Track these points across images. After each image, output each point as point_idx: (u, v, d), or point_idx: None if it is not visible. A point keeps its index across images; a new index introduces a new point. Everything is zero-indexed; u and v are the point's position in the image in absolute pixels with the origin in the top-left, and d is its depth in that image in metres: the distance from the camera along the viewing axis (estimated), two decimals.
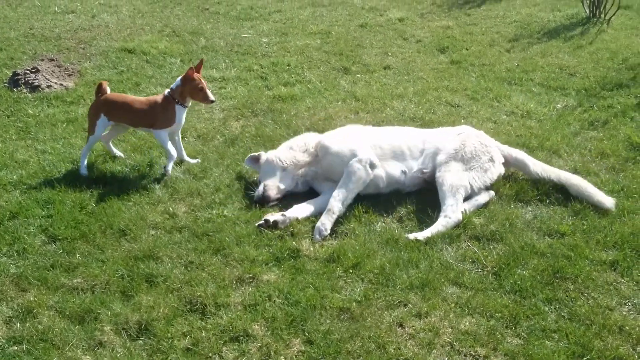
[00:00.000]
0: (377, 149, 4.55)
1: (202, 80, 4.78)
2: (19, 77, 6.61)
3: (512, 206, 4.41)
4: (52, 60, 7.22)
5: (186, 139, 5.41)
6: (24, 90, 6.45)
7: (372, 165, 4.41)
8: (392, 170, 4.56)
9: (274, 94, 6.43)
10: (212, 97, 4.78)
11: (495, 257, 3.90)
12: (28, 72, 6.67)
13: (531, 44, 8.12)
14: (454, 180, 4.38)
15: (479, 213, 4.34)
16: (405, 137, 4.75)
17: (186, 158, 5.05)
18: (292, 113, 5.94)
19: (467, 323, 3.35)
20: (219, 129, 5.66)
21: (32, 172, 4.85)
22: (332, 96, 6.42)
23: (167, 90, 4.86)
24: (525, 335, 3.28)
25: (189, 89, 4.77)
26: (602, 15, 8.87)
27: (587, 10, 9.08)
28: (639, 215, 4.30)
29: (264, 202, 4.46)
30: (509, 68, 7.25)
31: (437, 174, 4.46)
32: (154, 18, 9.20)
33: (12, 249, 3.93)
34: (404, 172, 4.58)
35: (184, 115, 4.89)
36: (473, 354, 3.17)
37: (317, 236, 4.09)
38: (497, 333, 3.29)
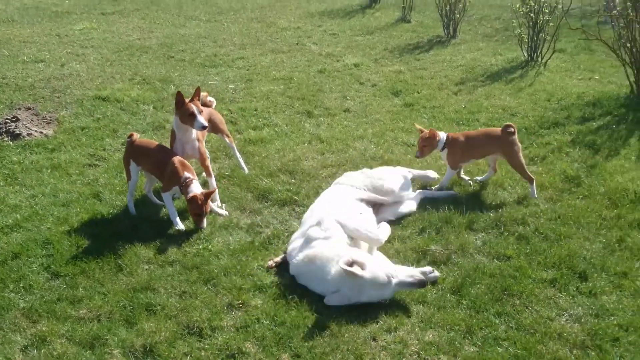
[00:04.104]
0: None
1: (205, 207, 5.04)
2: (0, 126, 6.96)
3: (465, 235, 5.01)
4: (29, 109, 7.62)
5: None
6: (6, 139, 6.80)
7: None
8: None
9: (245, 137, 6.97)
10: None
11: (452, 279, 4.46)
12: (8, 121, 7.04)
13: (476, 86, 8.90)
14: None
15: (436, 241, 4.92)
16: None
17: None
18: (263, 155, 6.47)
19: (431, 335, 3.89)
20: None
21: (27, 216, 5.23)
22: (299, 138, 6.99)
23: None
24: (480, 344, 3.84)
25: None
26: (539, 59, 9.77)
27: (526, 54, 9.97)
28: (574, 240, 4.94)
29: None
30: (457, 110, 7.97)
31: None
32: (122, 66, 9.66)
33: (19, 286, 4.31)
34: None
35: None
36: None
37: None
38: (457, 342, 3.84)
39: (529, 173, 5.63)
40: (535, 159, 6.46)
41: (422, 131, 5.75)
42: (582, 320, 4.04)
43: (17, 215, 5.24)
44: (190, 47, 11.07)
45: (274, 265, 4.60)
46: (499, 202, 5.55)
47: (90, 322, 3.98)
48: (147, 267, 4.57)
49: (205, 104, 5.91)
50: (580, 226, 5.14)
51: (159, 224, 5.18)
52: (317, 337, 3.85)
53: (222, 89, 8.69)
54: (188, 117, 5.22)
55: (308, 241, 4.47)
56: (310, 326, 3.93)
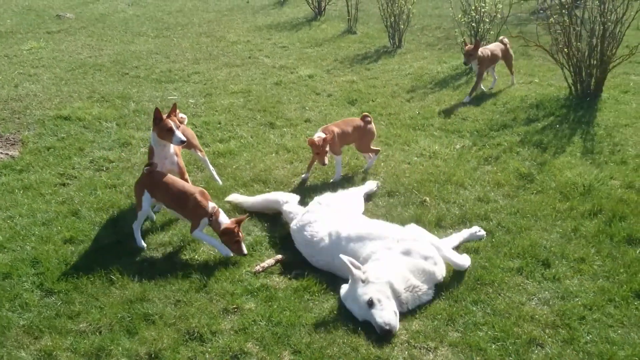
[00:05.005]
0: None
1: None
2: None
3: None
4: None
5: None
6: None
7: None
8: None
9: (213, 150, 7.15)
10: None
11: None
12: None
13: (427, 93, 9.34)
14: None
15: None
16: None
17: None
18: (234, 166, 6.68)
19: (417, 325, 4.21)
20: None
21: (8, 237, 5.27)
22: (266, 149, 7.22)
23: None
24: (462, 329, 4.18)
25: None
26: None
27: None
28: (533, 231, 5.37)
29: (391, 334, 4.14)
30: (412, 116, 8.36)
31: None
32: (78, 85, 9.66)
33: (15, 305, 4.39)
34: None
35: None
36: (426, 347, 4.02)
37: None
38: (441, 330, 4.17)
39: (369, 151, 6.63)
40: (490, 159, 6.90)
41: (313, 142, 6.13)
42: (550, 302, 4.44)
43: None
44: (143, 63, 11.13)
45: (261, 270, 4.83)
46: (461, 200, 5.94)
47: (92, 335, 4.11)
48: (138, 279, 4.71)
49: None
50: (538, 219, 5.58)
51: (143, 238, 5.31)
52: (313, 333, 4.11)
53: (182, 104, 8.82)
54: (166, 133, 5.37)
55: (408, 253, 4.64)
56: (305, 324, 4.19)
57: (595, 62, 8.41)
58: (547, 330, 4.16)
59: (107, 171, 6.65)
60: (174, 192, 5.07)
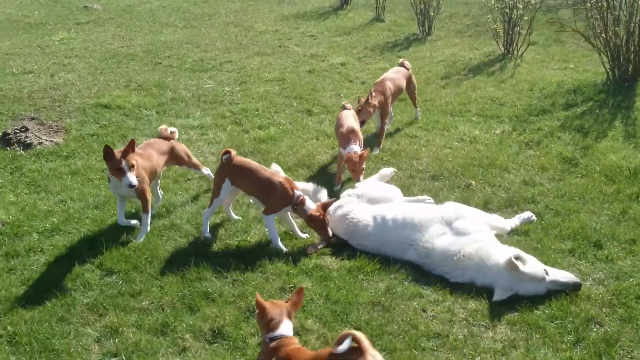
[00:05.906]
0: None
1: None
2: (10, 136, 7.04)
3: None
4: (33, 119, 7.68)
5: (194, 182, 6.11)
6: (18, 149, 6.88)
7: None
8: None
9: (254, 136, 7.21)
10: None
11: None
12: (18, 131, 7.11)
13: (461, 80, 9.32)
14: None
15: None
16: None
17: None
18: (277, 152, 6.74)
19: (474, 304, 4.25)
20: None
21: (63, 220, 5.38)
22: (306, 135, 7.27)
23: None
24: (518, 308, 4.21)
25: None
26: (515, 52, 10.27)
27: (502, 48, 10.47)
28: (582, 214, 5.38)
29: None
30: (448, 102, 8.36)
31: None
32: (114, 74, 9.76)
33: (76, 284, 4.50)
34: None
35: None
36: (484, 324, 4.06)
37: None
38: (497, 309, 4.20)
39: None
40: (531, 143, 6.90)
41: (350, 159, 5.73)
42: (605, 282, 4.46)
43: (54, 219, 5.38)
44: (175, 53, 11.20)
45: (314, 251, 4.88)
46: (507, 184, 5.96)
47: (155, 312, 4.20)
48: (194, 259, 4.79)
49: (166, 137, 5.59)
50: (585, 201, 5.58)
51: (196, 222, 5.38)
52: (371, 312, 4.17)
53: (219, 92, 8.89)
54: (117, 172, 4.81)
55: (461, 234, 4.73)
56: (362, 303, 4.25)
57: (633, 47, 8.35)
58: (604, 309, 4.18)
59: None
60: (259, 179, 4.95)
